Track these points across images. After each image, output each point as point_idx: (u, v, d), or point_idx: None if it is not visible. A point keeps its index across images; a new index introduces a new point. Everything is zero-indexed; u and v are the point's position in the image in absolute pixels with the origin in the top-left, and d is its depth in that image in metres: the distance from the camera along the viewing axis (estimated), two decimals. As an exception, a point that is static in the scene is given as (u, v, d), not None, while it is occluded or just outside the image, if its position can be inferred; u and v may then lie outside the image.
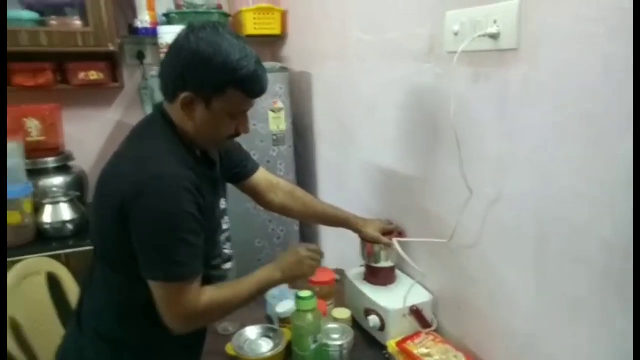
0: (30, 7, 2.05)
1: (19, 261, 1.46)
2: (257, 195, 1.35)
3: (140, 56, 2.33)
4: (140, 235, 0.91)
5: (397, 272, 1.37)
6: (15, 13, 1.99)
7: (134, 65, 2.35)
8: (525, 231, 0.98)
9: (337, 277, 1.44)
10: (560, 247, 0.91)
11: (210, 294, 0.97)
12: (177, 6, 2.18)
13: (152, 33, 2.17)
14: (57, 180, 2.06)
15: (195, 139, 1.01)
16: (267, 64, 2.10)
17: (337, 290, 1.41)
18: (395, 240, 1.28)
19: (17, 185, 1.83)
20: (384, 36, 1.43)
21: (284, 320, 1.28)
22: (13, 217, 1.81)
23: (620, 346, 0.82)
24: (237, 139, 1.11)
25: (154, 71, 2.02)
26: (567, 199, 0.87)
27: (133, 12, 2.23)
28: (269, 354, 1.15)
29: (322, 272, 1.45)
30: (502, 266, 1.05)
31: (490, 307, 1.11)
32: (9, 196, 1.77)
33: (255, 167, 1.34)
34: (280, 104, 2.05)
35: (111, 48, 2.05)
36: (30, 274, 1.45)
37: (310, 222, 1.51)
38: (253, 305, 1.42)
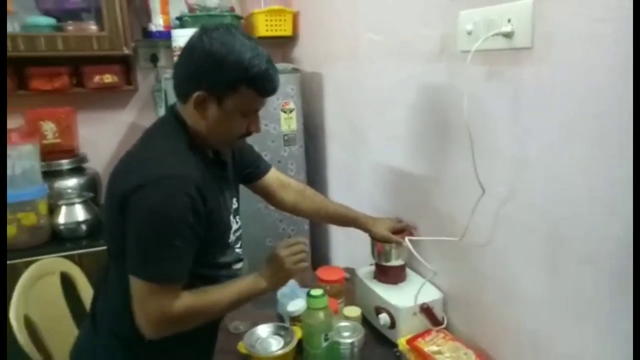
0: (47, 13, 2.11)
1: (34, 261, 1.49)
2: (268, 195, 1.37)
3: (154, 59, 2.37)
4: (130, 229, 0.92)
5: (407, 270, 1.36)
6: (33, 19, 2.04)
7: (147, 68, 2.39)
8: (536, 230, 0.97)
9: (347, 275, 1.44)
10: (571, 246, 0.90)
11: (185, 302, 0.95)
12: (190, 9, 2.21)
13: (165, 36, 2.21)
14: (72, 182, 2.10)
15: (207, 139, 1.02)
16: (279, 65, 2.10)
17: (347, 288, 1.41)
18: (407, 239, 1.28)
19: (33, 186, 1.88)
20: (395, 36, 1.44)
21: (295, 319, 1.28)
22: (28, 218, 1.84)
23: (627, 347, 0.81)
24: (249, 139, 1.12)
25: (167, 74, 2.05)
26: (579, 198, 0.87)
27: (147, 16, 2.27)
28: (280, 352, 1.15)
29: (332, 270, 1.46)
30: (514, 265, 1.05)
31: (500, 305, 1.10)
32: (25, 198, 1.81)
33: (267, 168, 1.35)
34: (291, 105, 2.06)
35: (126, 51, 2.09)
36: (45, 273, 1.48)
37: (321, 221, 1.51)
38: (264, 303, 1.45)
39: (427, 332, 1.19)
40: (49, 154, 2.06)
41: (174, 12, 2.25)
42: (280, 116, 2.06)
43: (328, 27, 1.98)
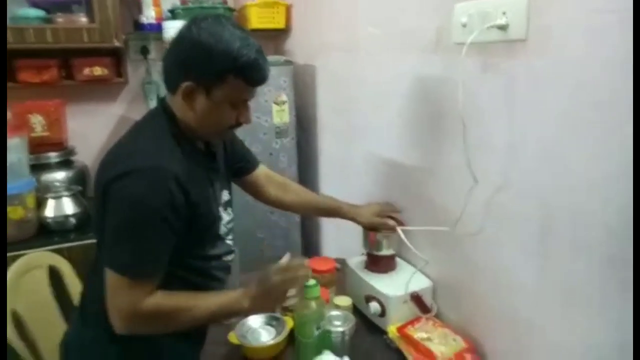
0: (36, 5, 2.08)
1: (21, 255, 1.47)
2: (255, 191, 1.36)
3: (144, 51, 2.35)
4: (107, 219, 0.92)
5: (398, 259, 1.37)
6: (22, 11, 2.02)
7: (137, 61, 2.37)
8: (529, 219, 0.98)
9: (337, 265, 1.44)
10: (563, 234, 0.91)
11: (158, 300, 0.93)
12: (182, 1, 2.20)
13: (156, 29, 2.19)
14: (60, 175, 2.08)
15: (197, 130, 1.02)
16: (271, 58, 2.11)
17: (337, 278, 1.42)
18: (399, 229, 1.29)
19: (21, 180, 1.85)
20: (390, 29, 1.44)
21: (286, 309, 1.28)
22: (16, 212, 1.82)
23: (619, 332, 0.83)
24: (240, 132, 1.12)
25: (159, 66, 2.04)
26: (572, 188, 0.88)
27: (138, 8, 2.25)
28: (271, 341, 1.15)
29: (323, 261, 1.46)
30: (505, 253, 1.06)
31: (492, 293, 1.11)
32: (12, 191, 1.79)
33: (256, 163, 1.35)
34: (284, 97, 2.06)
35: (116, 44, 2.07)
36: (32, 267, 1.46)
37: (306, 214, 1.51)
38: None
39: (417, 319, 1.20)
40: (37, 147, 2.03)
41: (166, 4, 2.24)
42: (273, 108, 2.06)
43: (322, 19, 1.98)
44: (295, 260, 1.06)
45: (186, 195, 0.94)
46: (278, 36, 2.45)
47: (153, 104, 2.20)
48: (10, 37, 1.93)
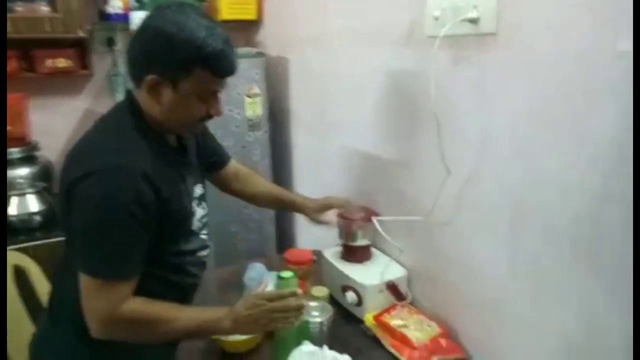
0: (-7, -8, 1.98)
1: (-17, 255, 1.42)
2: (224, 183, 1.34)
3: (111, 42, 2.28)
4: (75, 221, 0.89)
5: (372, 249, 1.39)
6: (-22, -2, 1.92)
7: (103, 52, 2.30)
8: (500, 208, 1.02)
9: (314, 257, 1.45)
10: (532, 223, 0.95)
11: (136, 306, 0.91)
12: (150, -9, 2.14)
13: (123, 19, 2.12)
14: (23, 171, 1.99)
15: (165, 124, 0.99)
16: (243, 49, 2.09)
17: (314, 269, 1.43)
18: (374, 219, 1.31)
19: (-19, 176, 1.78)
20: (363, 21, 1.45)
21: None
22: (-22, 210, 1.75)
23: (585, 315, 0.87)
24: (212, 125, 1.09)
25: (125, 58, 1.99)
26: (541, 177, 0.92)
27: (104, -3, 2.18)
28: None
29: (300, 253, 1.47)
30: (477, 242, 1.09)
31: (464, 280, 1.14)
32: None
33: (228, 157, 1.33)
34: (256, 89, 2.04)
35: (81, 34, 2.00)
36: (-4, 267, 1.41)
37: (262, 205, 1.47)
38: (230, 288, 1.45)
39: (393, 307, 1.23)
40: (-2, 142, 1.95)
41: (133, -6, 2.18)
42: (245, 101, 2.04)
43: (295, 11, 1.96)
44: (288, 289, 1.02)
45: (156, 192, 0.91)
46: (249, 27, 2.43)
47: (120, 97, 2.14)
48: (-35, 26, 1.83)
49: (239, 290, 1.41)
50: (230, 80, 0.99)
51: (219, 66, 0.93)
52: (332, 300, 1.31)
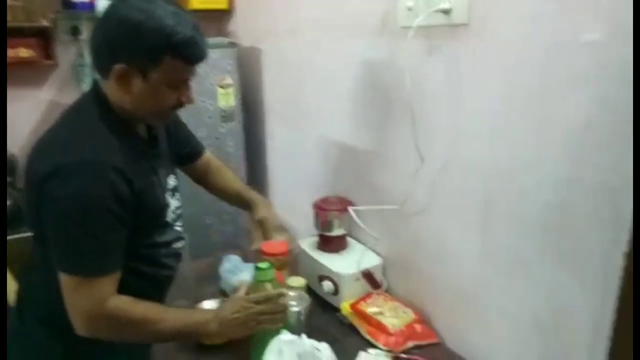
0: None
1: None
2: (199, 176, 1.30)
3: (75, 32, 2.20)
4: (49, 220, 0.86)
5: (348, 239, 1.41)
6: None
7: (68, 42, 2.22)
8: (472, 195, 1.04)
9: (290, 248, 1.45)
10: (504, 209, 0.98)
11: (122, 303, 0.90)
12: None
13: (88, 7, 2.07)
14: (-15, 166, 1.92)
15: (136, 114, 0.96)
16: (215, 39, 2.06)
17: (290, 260, 1.43)
18: (350, 209, 1.32)
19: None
20: (338, 12, 1.44)
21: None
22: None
23: (554, 297, 0.91)
24: (185, 116, 1.06)
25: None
26: (512, 164, 0.94)
27: (67, -15, 2.10)
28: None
29: (276, 243, 1.46)
30: (449, 229, 1.12)
31: (437, 267, 1.17)
32: None
33: (202, 148, 1.30)
34: (229, 80, 2.02)
35: (44, 23, 1.94)
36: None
37: (227, 202, 1.42)
38: (205, 280, 1.44)
39: (368, 295, 1.25)
40: (-43, 135, 1.86)
41: (98, -18, 2.10)
42: (217, 92, 2.01)
43: (268, 1, 1.94)
44: (275, 290, 1.02)
45: (129, 185, 0.89)
46: (221, 17, 2.39)
47: (86, 88, 2.08)
48: None
49: (215, 283, 1.40)
50: (202, 70, 0.97)
51: (190, 53, 0.90)
52: (309, 290, 1.32)
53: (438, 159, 1.10)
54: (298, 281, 1.30)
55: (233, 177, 1.34)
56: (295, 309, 1.13)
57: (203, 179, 1.32)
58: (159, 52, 0.87)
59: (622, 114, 0.73)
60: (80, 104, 0.98)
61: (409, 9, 1.08)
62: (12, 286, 1.40)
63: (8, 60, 1.99)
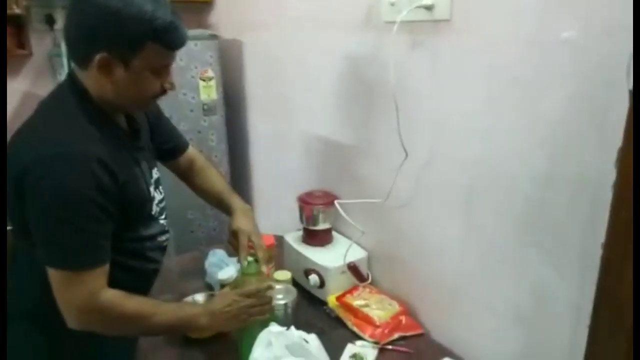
0: None
1: None
2: (183, 172, 1.27)
3: (50, 20, 2.14)
4: (33, 215, 0.85)
5: (333, 232, 1.42)
6: None
7: (42, 31, 2.15)
8: (455, 190, 1.06)
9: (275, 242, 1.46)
10: (485, 203, 1.00)
11: (115, 296, 0.90)
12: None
13: (63, -5, 2.00)
14: (-42, 158, 1.85)
15: (117, 104, 0.94)
16: (195, 31, 2.03)
17: (275, 254, 1.44)
18: (336, 202, 1.33)
19: None
20: (321, 4, 1.44)
21: (225, 287, 1.28)
22: None
23: (535, 289, 0.94)
24: (167, 110, 1.04)
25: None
26: (494, 158, 0.97)
27: (40, -29, 2.03)
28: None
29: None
30: (432, 222, 1.14)
31: (420, 259, 1.20)
32: None
33: (186, 144, 1.27)
34: (210, 73, 1.99)
35: (16, 11, 1.87)
36: None
37: (208, 203, 1.40)
38: (190, 275, 1.43)
39: (354, 288, 1.26)
40: None
41: (73, -32, 2.04)
42: (199, 84, 1.98)
43: (249, -8, 1.92)
44: (265, 283, 1.04)
45: (113, 177, 0.88)
46: (201, 9, 2.35)
47: (63, 78, 2.02)
48: None
49: (200, 277, 1.40)
50: (183, 63, 0.97)
51: (170, 39, 0.89)
52: (295, 284, 1.33)
53: (421, 152, 1.12)
54: (284, 275, 1.32)
55: (217, 178, 1.29)
56: (283, 302, 1.14)
57: (186, 176, 1.29)
58: (141, 38, 0.86)
59: (599, 110, 0.76)
60: (57, 95, 0.96)
61: (392, 4, 1.09)
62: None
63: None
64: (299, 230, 1.43)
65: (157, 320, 0.93)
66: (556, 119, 0.84)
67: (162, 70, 0.93)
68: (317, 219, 1.36)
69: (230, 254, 1.42)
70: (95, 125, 0.90)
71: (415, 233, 1.20)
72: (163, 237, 1.12)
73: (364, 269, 1.31)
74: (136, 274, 1.02)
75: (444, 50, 1.03)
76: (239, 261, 1.09)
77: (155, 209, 1.08)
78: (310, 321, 1.20)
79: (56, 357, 0.98)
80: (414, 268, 1.22)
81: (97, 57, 0.86)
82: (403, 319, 1.17)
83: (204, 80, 1.99)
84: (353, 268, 1.28)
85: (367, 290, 1.26)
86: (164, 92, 0.96)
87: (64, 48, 1.94)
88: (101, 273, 0.89)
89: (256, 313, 1.01)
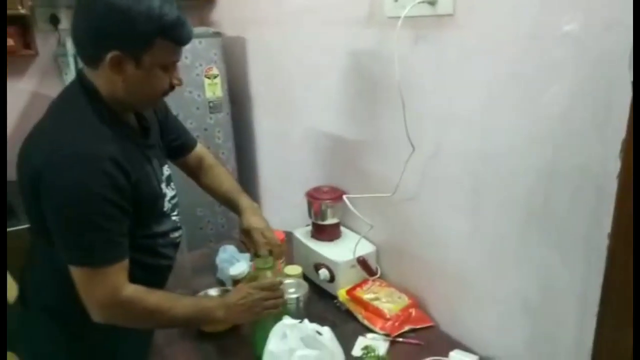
0: None
1: None
2: (192, 171, 1.30)
3: (54, 20, 2.14)
4: (50, 216, 0.87)
5: (341, 227, 1.44)
6: None
7: (48, 31, 2.16)
8: (460, 182, 1.08)
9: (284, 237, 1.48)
10: (490, 194, 1.02)
11: (136, 291, 0.93)
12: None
13: (67, -5, 2.01)
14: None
15: (128, 102, 0.96)
16: (199, 29, 2.03)
17: (285, 249, 1.45)
18: (344, 197, 1.35)
19: None
20: (324, 1, 1.45)
21: (237, 282, 1.30)
22: None
23: (540, 277, 0.96)
24: (174, 108, 1.05)
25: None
26: (498, 151, 0.98)
27: (45, -29, 2.04)
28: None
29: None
30: (439, 214, 1.16)
31: (428, 252, 1.22)
32: None
33: (194, 142, 1.29)
34: (215, 70, 2.01)
35: (22, 11, 1.87)
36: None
37: (217, 201, 1.42)
38: (201, 271, 1.46)
39: (364, 282, 1.29)
40: None
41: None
42: (204, 82, 1.99)
43: (251, -11, 1.93)
44: (278, 277, 1.09)
45: (126, 175, 0.90)
46: (203, 6, 2.36)
47: (70, 77, 2.03)
48: None
49: (212, 273, 1.42)
50: (189, 61, 0.98)
51: (179, 34, 0.91)
52: (305, 278, 1.35)
53: (428, 146, 1.14)
54: (295, 269, 1.34)
55: (225, 177, 1.31)
56: (295, 295, 1.16)
57: (195, 174, 1.31)
58: (151, 35, 0.87)
59: (602, 102, 0.78)
60: (67, 96, 0.97)
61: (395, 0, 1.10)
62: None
63: (-16, 50, 1.93)
64: (308, 225, 1.45)
65: (176, 313, 0.97)
66: (559, 111, 0.85)
67: (170, 66, 0.95)
68: (325, 214, 1.38)
69: (241, 250, 1.45)
70: (107, 125, 0.92)
71: (423, 226, 1.22)
72: (176, 234, 1.14)
73: (373, 263, 1.33)
74: (150, 271, 1.04)
75: (448, 45, 1.04)
76: (252, 258, 1.12)
77: (167, 205, 1.10)
78: (321, 315, 1.22)
79: (74, 349, 1.01)
80: (423, 261, 1.24)
81: (109, 55, 0.87)
82: (413, 311, 1.20)
83: (209, 78, 2.00)
84: (362, 262, 1.30)
85: (377, 283, 1.28)
86: (172, 88, 0.98)
87: (69, 48, 1.95)
88: (121, 269, 0.91)
89: (270, 306, 1.04)
